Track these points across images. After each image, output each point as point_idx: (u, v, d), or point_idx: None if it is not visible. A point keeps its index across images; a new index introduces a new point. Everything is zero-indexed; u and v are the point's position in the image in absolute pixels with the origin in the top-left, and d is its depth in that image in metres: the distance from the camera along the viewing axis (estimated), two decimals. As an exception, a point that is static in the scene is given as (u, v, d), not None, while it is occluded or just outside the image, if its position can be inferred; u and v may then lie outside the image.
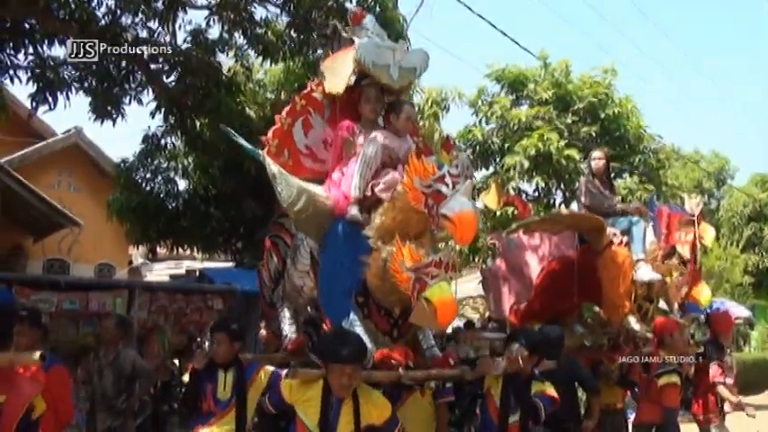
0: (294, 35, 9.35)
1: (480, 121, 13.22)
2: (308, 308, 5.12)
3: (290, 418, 3.96)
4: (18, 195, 12.69)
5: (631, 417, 7.02)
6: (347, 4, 9.18)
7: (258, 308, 9.68)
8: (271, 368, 4.80)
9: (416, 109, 12.52)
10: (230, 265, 12.68)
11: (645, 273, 6.26)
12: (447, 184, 3.69)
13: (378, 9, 9.33)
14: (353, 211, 4.27)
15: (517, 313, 6.95)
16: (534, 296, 6.85)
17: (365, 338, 3.99)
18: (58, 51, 9.54)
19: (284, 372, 4.68)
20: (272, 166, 4.44)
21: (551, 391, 4.53)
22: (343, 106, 4.78)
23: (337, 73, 4.70)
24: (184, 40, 9.57)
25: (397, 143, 4.54)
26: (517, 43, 12.70)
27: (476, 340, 10.57)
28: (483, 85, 13.45)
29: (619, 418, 6.77)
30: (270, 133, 4.72)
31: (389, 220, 4.00)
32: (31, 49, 9.13)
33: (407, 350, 4.13)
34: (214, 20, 9.25)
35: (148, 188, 11.18)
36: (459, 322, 13.30)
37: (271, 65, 10.37)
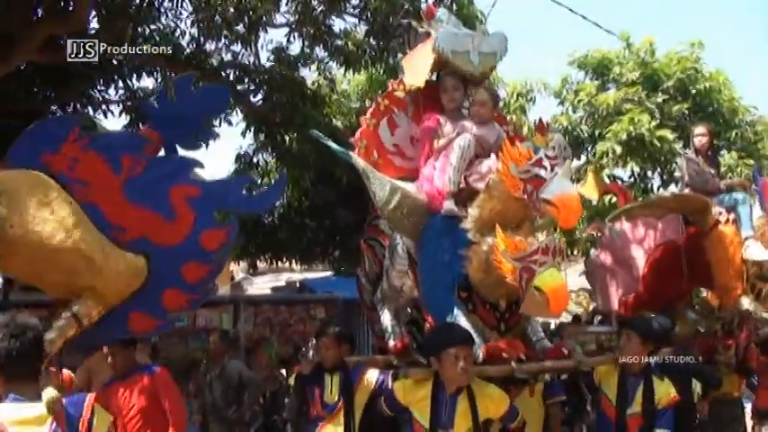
0: (373, 42, 9.39)
1: (567, 110, 12.94)
2: (408, 308, 5.12)
3: (406, 420, 3.96)
4: (123, 222, 13.23)
5: (748, 406, 6.73)
6: (423, 6, 9.18)
7: (359, 314, 9.88)
8: (377, 370, 4.84)
9: (502, 103, 12.46)
10: (329, 274, 12.89)
11: (755, 250, 5.94)
12: (545, 168, 3.61)
13: (455, 7, 9.29)
14: (449, 204, 4.20)
15: (626, 305, 6.71)
16: (642, 285, 6.62)
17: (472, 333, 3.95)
18: (147, 82, 9.99)
19: (390, 373, 4.74)
20: (364, 167, 4.45)
21: (672, 391, 4.33)
22: (426, 101, 4.75)
23: (416, 68, 4.68)
24: (267, 59, 9.78)
25: (485, 131, 4.44)
26: (598, 25, 12.34)
27: (581, 335, 10.33)
28: (567, 73, 13.16)
29: (736, 407, 6.48)
30: (357, 134, 4.75)
31: (487, 211, 3.94)
32: (120, 84, 9.58)
33: (518, 342, 4.04)
34: (294, 36, 9.39)
35: (245, 205, 11.45)
36: (564, 317, 13.04)
37: (353, 74, 10.47)
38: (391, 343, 4.85)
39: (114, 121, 14.23)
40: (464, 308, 4.12)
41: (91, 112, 9.69)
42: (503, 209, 3.88)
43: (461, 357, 3.67)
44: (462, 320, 4.03)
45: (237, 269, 17.29)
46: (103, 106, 9.62)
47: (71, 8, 7.73)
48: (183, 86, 3.59)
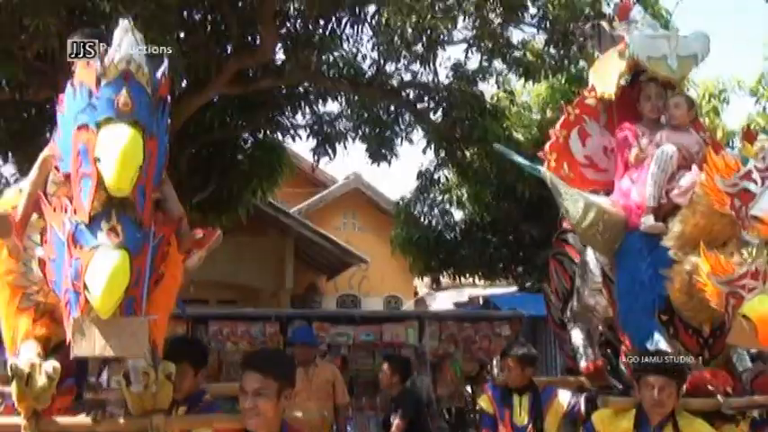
0: (553, 51, 9.16)
1: (764, 109, 11.84)
2: (600, 327, 4.87)
3: None
4: (310, 240, 14.01)
5: None
6: (605, 9, 8.83)
7: (545, 331, 9.61)
8: (568, 392, 4.65)
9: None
10: (513, 289, 12.73)
11: None
12: (755, 181, 3.27)
13: (639, 6, 8.86)
14: (649, 220, 3.91)
15: None
16: None
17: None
18: (332, 107, 10.43)
19: (582, 396, 4.52)
20: (554, 182, 4.27)
21: None
22: (619, 108, 4.48)
23: (608, 74, 4.39)
24: (446, 76, 9.84)
25: (686, 140, 4.10)
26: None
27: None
28: (765, 69, 12.02)
29: None
30: (546, 147, 4.56)
31: (690, 228, 3.63)
32: (307, 109, 10.08)
33: (724, 374, 3.68)
34: (472, 51, 9.37)
35: (427, 222, 11.68)
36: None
37: (533, 85, 10.28)
38: (583, 364, 4.61)
39: (302, 145, 15.05)
40: (664, 332, 3.82)
41: (279, 137, 10.27)
42: (707, 225, 3.56)
43: (658, 386, 3.38)
44: (663, 346, 3.73)
45: (421, 285, 17.55)
46: (292, 131, 10.17)
47: (258, 42, 8.22)
48: None
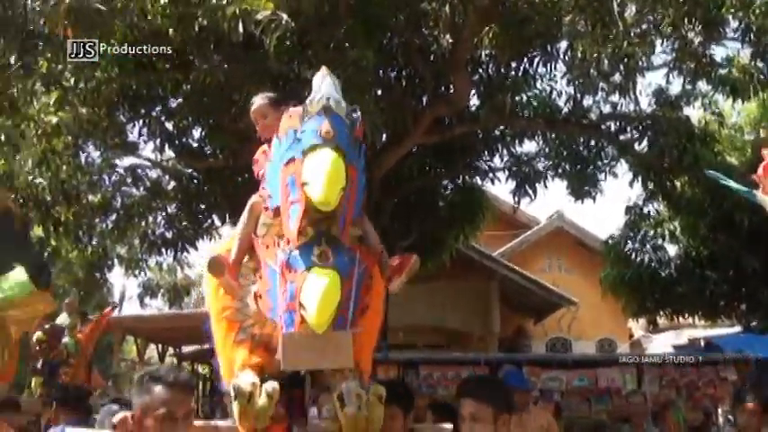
0: (761, 65, 8.47)
1: None
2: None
3: None
4: (515, 283, 13.87)
5: None
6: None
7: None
8: None
9: None
10: (737, 329, 11.78)
11: None
12: None
13: None
14: None
15: None
16: None
17: None
18: (529, 146, 10.34)
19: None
20: None
21: None
22: None
23: None
24: (648, 104, 9.50)
25: None
26: None
27: None
28: None
29: None
30: (760, 170, 4.22)
31: None
32: (504, 151, 10.06)
33: None
34: (673, 75, 8.91)
35: (638, 259, 11.11)
36: None
37: (743, 104, 9.55)
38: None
39: (501, 187, 15.07)
40: None
41: (478, 181, 10.32)
42: None
43: None
44: None
45: (636, 327, 16.62)
46: (490, 174, 10.20)
47: (452, 90, 8.36)
48: None
